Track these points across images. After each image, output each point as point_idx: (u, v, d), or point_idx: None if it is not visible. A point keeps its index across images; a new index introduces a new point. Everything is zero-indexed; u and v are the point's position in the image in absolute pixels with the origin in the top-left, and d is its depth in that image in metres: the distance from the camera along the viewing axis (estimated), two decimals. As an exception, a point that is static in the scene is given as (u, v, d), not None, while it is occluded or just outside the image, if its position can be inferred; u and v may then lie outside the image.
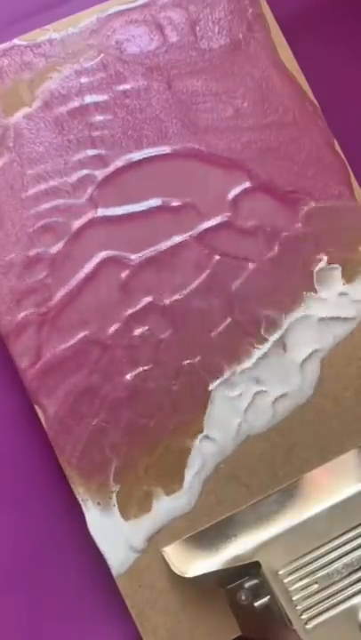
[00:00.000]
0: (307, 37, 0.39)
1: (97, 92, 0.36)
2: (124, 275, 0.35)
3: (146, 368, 0.34)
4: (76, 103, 0.36)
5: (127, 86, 0.36)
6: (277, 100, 0.37)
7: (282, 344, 0.35)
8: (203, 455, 0.34)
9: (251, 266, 0.35)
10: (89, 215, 0.35)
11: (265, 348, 0.35)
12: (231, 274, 0.35)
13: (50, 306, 0.34)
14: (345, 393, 0.35)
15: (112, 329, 0.34)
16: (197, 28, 0.37)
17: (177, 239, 0.35)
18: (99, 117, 0.36)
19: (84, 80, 0.36)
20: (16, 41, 0.36)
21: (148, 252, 0.35)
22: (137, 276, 0.35)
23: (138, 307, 0.35)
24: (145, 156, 0.36)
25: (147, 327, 0.34)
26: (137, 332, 0.34)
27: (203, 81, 0.36)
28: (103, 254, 0.35)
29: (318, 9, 0.40)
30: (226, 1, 0.37)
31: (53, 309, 0.34)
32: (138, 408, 0.34)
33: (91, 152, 0.35)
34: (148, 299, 0.35)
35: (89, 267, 0.34)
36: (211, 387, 0.34)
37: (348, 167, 0.37)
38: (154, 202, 0.35)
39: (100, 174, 0.35)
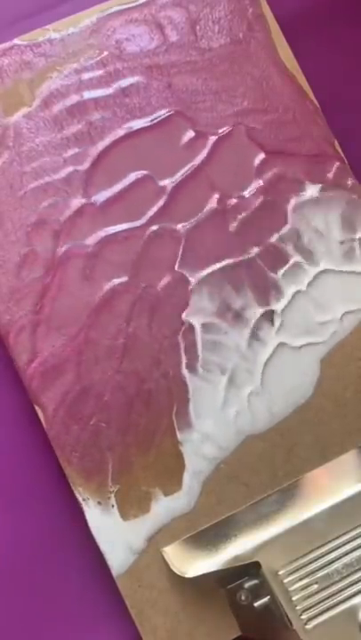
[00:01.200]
0: (307, 37, 0.39)
1: (97, 92, 0.36)
2: (84, 265, 0.35)
3: (132, 363, 0.34)
4: (75, 102, 0.36)
5: (127, 85, 0.36)
6: (278, 100, 0.37)
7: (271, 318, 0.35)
8: (200, 455, 0.34)
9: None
10: (77, 204, 0.35)
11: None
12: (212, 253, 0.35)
13: (45, 304, 0.34)
14: (345, 393, 0.35)
15: (100, 324, 0.34)
16: (198, 27, 0.37)
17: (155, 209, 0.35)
18: (98, 116, 0.36)
19: (84, 79, 0.36)
20: (16, 41, 0.36)
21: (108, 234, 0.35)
22: (104, 264, 0.35)
23: (122, 298, 0.35)
24: (125, 131, 0.36)
25: (126, 320, 0.34)
26: (122, 325, 0.34)
27: (203, 80, 0.36)
28: (66, 246, 0.35)
29: (318, 9, 0.40)
30: (226, 1, 0.37)
31: (48, 308, 0.34)
32: (130, 407, 0.34)
33: (88, 149, 0.35)
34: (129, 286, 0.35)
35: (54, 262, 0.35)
36: (188, 381, 0.34)
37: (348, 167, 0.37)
38: (135, 175, 0.35)
39: (86, 165, 0.35)
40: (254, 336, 0.35)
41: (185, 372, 0.34)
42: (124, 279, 0.35)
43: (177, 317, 0.35)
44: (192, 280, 0.35)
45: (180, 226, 0.35)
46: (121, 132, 0.36)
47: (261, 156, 0.36)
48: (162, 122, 0.36)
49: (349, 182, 0.36)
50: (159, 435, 0.34)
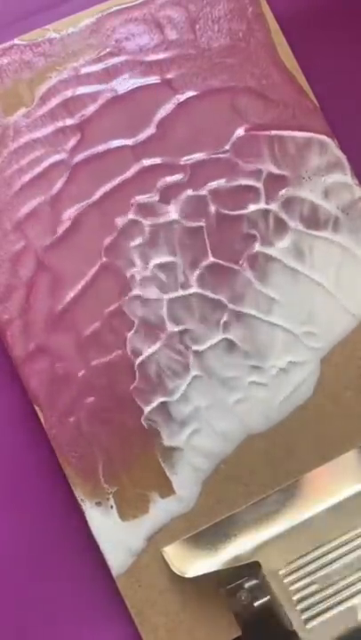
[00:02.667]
0: (307, 37, 0.39)
1: (95, 88, 0.36)
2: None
3: (113, 360, 0.34)
4: (71, 98, 0.36)
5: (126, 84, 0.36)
6: (277, 99, 0.37)
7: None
8: (195, 456, 0.34)
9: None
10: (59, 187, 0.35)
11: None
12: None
13: (35, 302, 0.34)
14: (345, 393, 0.35)
15: (74, 317, 0.34)
16: (197, 26, 0.37)
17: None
18: (94, 110, 0.36)
19: (83, 79, 0.36)
20: (16, 41, 0.36)
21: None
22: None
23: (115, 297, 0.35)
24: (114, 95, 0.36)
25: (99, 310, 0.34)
26: (97, 316, 0.34)
27: (202, 79, 0.36)
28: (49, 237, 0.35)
29: (318, 9, 0.40)
30: (225, 0, 0.37)
31: (37, 305, 0.34)
32: (122, 407, 0.34)
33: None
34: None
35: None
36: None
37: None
38: (117, 143, 0.35)
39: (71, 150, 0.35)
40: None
41: (163, 368, 0.34)
42: (83, 264, 0.35)
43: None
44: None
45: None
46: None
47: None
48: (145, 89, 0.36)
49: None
50: (153, 435, 0.34)
